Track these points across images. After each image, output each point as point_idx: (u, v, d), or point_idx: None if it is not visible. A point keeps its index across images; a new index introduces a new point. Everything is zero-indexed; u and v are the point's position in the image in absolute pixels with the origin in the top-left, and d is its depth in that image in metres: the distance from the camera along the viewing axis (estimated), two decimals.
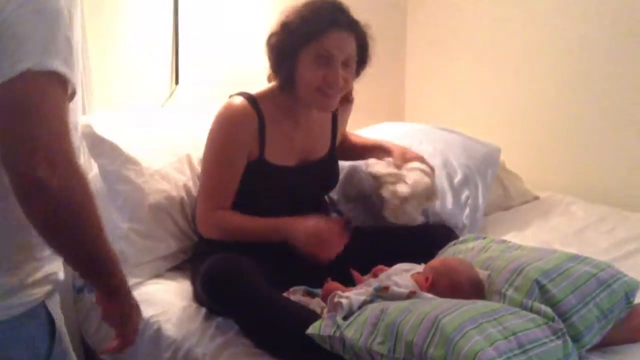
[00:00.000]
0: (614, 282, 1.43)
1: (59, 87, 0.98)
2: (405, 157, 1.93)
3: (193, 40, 2.31)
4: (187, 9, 2.27)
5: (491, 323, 1.25)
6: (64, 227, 1.00)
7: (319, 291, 1.58)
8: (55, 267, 1.14)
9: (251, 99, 1.72)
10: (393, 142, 2.04)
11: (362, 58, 1.73)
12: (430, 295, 1.42)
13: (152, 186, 1.84)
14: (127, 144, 1.88)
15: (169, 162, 1.90)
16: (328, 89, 1.66)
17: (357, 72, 1.75)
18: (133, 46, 2.17)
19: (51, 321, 1.13)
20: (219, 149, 1.72)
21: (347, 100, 1.85)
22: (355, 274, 1.63)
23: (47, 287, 1.11)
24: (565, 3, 2.56)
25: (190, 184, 1.91)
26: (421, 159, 1.94)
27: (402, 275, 1.54)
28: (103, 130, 1.89)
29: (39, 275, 1.09)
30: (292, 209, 1.73)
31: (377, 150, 1.99)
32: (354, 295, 1.41)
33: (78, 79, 1.46)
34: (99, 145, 1.88)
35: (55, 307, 1.16)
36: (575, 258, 1.49)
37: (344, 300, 1.39)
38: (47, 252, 1.10)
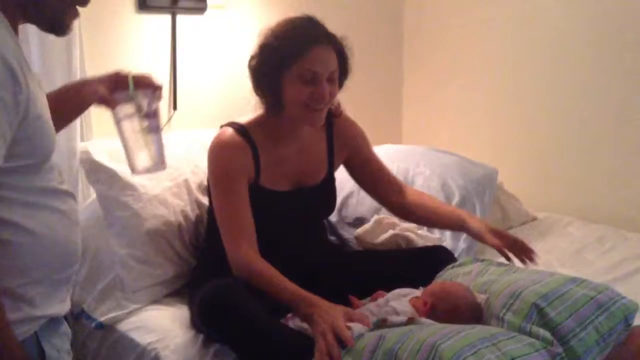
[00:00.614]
0: (613, 305, 1.42)
1: None
2: (493, 235, 1.78)
3: (191, 67, 2.34)
4: (184, 36, 2.30)
5: (489, 348, 1.24)
6: None
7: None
8: (46, 309, 1.13)
9: (241, 129, 1.72)
10: (473, 216, 1.89)
11: (343, 70, 1.71)
12: (429, 321, 1.42)
13: (150, 212, 1.84)
14: (125, 169, 1.87)
15: (166, 187, 1.90)
16: (316, 105, 1.66)
17: (340, 84, 1.73)
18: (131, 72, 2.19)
19: (41, 352, 1.12)
20: (220, 178, 1.70)
21: (334, 115, 1.83)
22: (353, 299, 1.63)
23: (37, 323, 1.11)
24: (561, 28, 2.59)
25: (188, 209, 1.91)
26: (508, 242, 1.77)
27: (401, 300, 1.54)
28: (101, 156, 1.89)
29: (20, 315, 1.09)
30: (288, 233, 1.73)
31: (455, 220, 1.84)
32: (355, 325, 1.39)
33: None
34: (97, 171, 1.89)
35: (51, 338, 1.15)
36: (573, 280, 1.48)
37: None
38: (33, 293, 1.10)
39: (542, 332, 1.34)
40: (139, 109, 1.32)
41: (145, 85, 1.36)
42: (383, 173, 1.92)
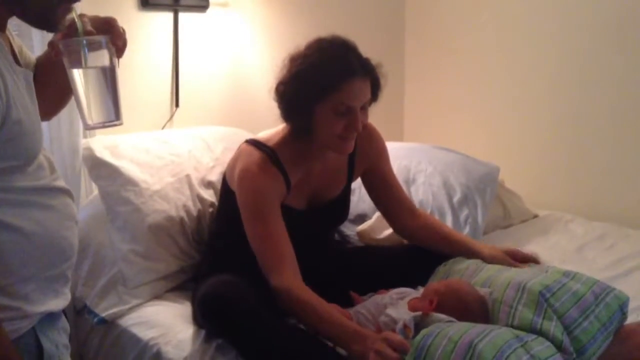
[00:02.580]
0: (607, 296, 1.47)
1: None
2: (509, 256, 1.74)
3: (193, 64, 2.35)
4: (186, 34, 2.31)
5: (520, 350, 1.27)
6: None
7: None
8: (42, 304, 1.13)
9: (270, 154, 1.66)
10: (482, 244, 1.84)
11: (375, 96, 1.68)
12: (442, 316, 1.41)
13: (152, 207, 1.85)
14: (126, 165, 1.89)
15: (168, 182, 1.91)
16: (349, 135, 1.63)
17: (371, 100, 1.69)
18: (135, 70, 2.20)
19: (39, 347, 1.13)
20: (254, 208, 1.62)
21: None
22: (355, 295, 1.63)
23: (34, 318, 1.11)
24: (563, 25, 2.59)
25: (190, 203, 1.92)
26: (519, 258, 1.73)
27: (398, 305, 1.52)
28: (103, 152, 1.90)
29: (16, 312, 1.09)
30: (302, 242, 1.69)
31: (464, 248, 1.77)
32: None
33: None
34: (99, 168, 1.89)
35: (50, 333, 1.15)
36: (566, 275, 1.52)
37: None
38: (27, 290, 1.10)
39: (553, 329, 1.36)
40: (91, 56, 1.13)
41: (103, 31, 1.16)
42: (397, 193, 1.87)
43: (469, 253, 1.75)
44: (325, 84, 1.57)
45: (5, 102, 1.03)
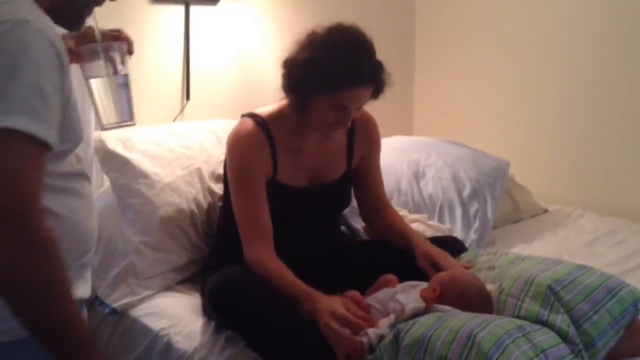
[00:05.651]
0: (620, 290, 1.45)
1: (17, 145, 0.92)
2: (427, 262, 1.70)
3: (203, 57, 2.35)
4: (197, 27, 2.32)
5: (521, 339, 1.26)
6: (20, 297, 0.93)
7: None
8: (77, 291, 1.12)
9: (261, 122, 1.71)
10: (425, 239, 1.80)
11: (375, 95, 1.69)
12: (446, 307, 1.42)
13: (163, 199, 1.86)
14: (138, 158, 1.90)
15: (179, 175, 1.92)
16: (338, 127, 1.67)
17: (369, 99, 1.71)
18: (146, 63, 2.22)
19: None
20: (238, 175, 1.70)
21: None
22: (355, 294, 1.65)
23: None
24: (573, 20, 2.58)
25: (200, 196, 1.93)
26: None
27: (409, 292, 1.54)
28: (114, 145, 1.91)
29: None
30: (303, 226, 1.74)
31: (404, 240, 1.78)
32: (371, 331, 1.40)
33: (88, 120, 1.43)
34: (111, 160, 1.91)
35: None
36: (580, 268, 1.51)
37: (364, 339, 1.38)
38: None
39: (559, 321, 1.36)
40: (106, 63, 1.28)
41: (114, 39, 1.31)
42: (378, 187, 1.90)
43: (408, 248, 1.73)
44: (332, 85, 1.60)
45: (69, 83, 1.04)
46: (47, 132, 0.95)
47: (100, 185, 2.09)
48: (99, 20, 1.98)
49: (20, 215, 0.91)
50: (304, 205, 1.76)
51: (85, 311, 1.23)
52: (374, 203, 1.89)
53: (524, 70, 2.74)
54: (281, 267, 1.60)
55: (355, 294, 1.57)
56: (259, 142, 1.70)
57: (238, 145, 1.71)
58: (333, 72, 1.58)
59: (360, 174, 1.89)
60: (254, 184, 1.68)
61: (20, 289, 0.92)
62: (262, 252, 1.62)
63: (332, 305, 1.46)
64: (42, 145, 0.95)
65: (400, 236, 1.80)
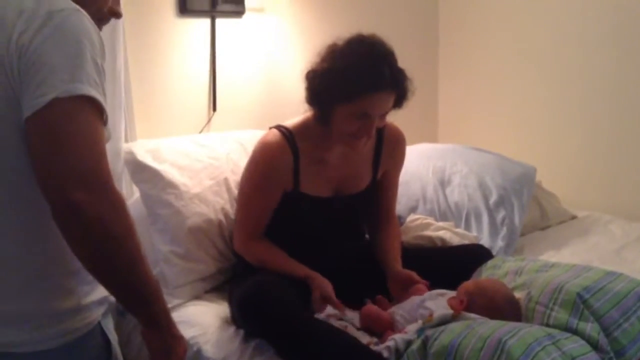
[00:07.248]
0: None
1: (90, 111, 0.98)
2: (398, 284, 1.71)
3: (229, 69, 2.39)
4: (223, 39, 2.35)
5: (551, 347, 1.26)
6: (100, 254, 0.99)
7: (349, 316, 1.60)
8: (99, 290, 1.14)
9: (288, 135, 1.74)
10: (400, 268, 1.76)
11: (399, 103, 1.70)
12: (475, 315, 1.42)
13: (191, 209, 1.88)
14: (167, 169, 1.93)
15: (207, 186, 1.95)
16: (361, 136, 1.68)
17: (393, 108, 1.72)
18: (173, 75, 2.26)
19: (107, 341, 1.15)
20: (254, 184, 1.76)
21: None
22: (381, 299, 1.65)
23: (102, 308, 1.14)
24: (599, 24, 2.56)
25: (227, 206, 1.95)
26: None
27: (438, 300, 1.54)
28: (144, 156, 1.95)
29: (93, 297, 1.11)
30: (326, 237, 1.75)
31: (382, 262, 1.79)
32: (398, 337, 1.41)
33: (121, 101, 1.46)
34: (141, 171, 1.94)
35: (109, 327, 1.18)
36: (611, 274, 1.49)
37: (390, 344, 1.39)
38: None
39: (589, 329, 1.34)
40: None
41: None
42: (391, 202, 1.92)
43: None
44: (352, 92, 1.61)
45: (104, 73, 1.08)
46: (105, 105, 1.02)
47: (130, 196, 2.12)
48: (128, 34, 2.04)
49: (101, 176, 0.98)
50: (324, 215, 1.77)
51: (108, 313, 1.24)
52: (381, 217, 1.90)
53: (549, 74, 2.72)
54: (274, 256, 1.72)
55: (372, 308, 1.57)
56: (283, 153, 1.72)
57: (263, 151, 1.75)
58: (352, 80, 1.60)
59: (379, 187, 1.90)
60: (270, 190, 1.73)
61: (114, 238, 0.99)
62: (246, 242, 1.78)
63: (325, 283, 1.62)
64: (104, 116, 1.02)
65: (382, 256, 1.79)
